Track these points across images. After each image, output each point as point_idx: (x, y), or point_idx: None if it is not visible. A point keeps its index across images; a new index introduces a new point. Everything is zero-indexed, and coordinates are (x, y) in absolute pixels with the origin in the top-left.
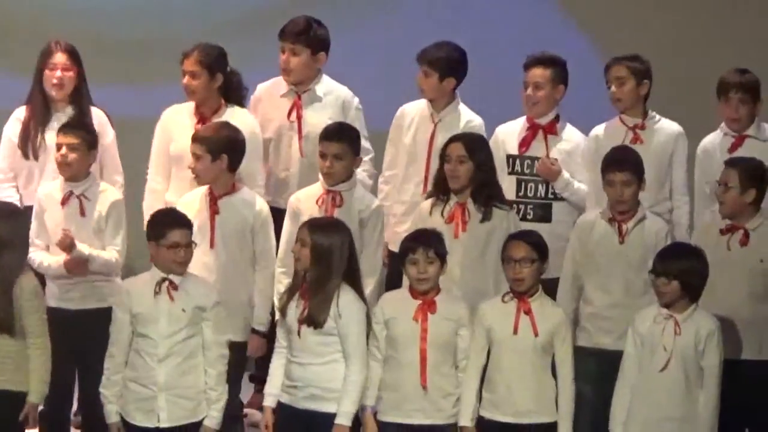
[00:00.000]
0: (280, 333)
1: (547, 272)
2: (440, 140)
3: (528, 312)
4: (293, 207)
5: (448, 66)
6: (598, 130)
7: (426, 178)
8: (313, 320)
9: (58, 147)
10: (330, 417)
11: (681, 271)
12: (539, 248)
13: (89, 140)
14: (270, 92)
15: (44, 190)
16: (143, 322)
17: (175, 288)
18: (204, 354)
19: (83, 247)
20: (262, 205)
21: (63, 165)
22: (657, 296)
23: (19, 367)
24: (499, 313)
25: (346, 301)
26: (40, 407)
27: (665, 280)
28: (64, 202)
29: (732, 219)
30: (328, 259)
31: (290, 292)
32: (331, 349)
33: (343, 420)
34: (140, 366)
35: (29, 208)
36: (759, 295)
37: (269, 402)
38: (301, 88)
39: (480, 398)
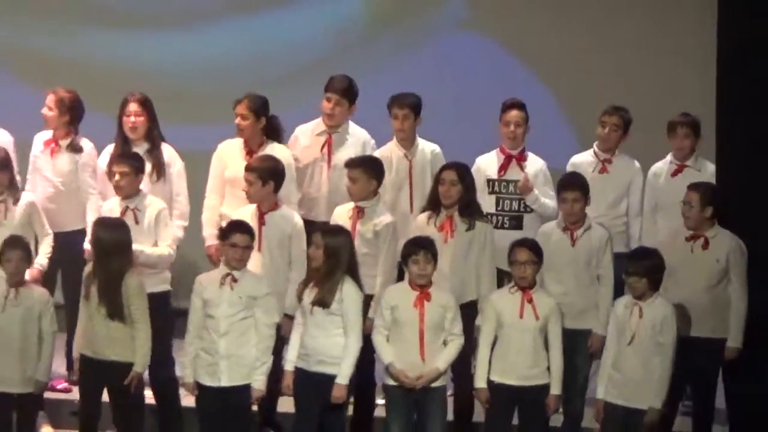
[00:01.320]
0: (297, 314)
1: None
2: (416, 172)
3: (530, 301)
4: (333, 219)
5: (418, 107)
6: (575, 159)
7: (411, 201)
8: (323, 302)
9: (113, 174)
10: (333, 377)
11: (647, 269)
12: (538, 252)
13: (137, 167)
14: (308, 131)
15: (107, 206)
16: (210, 306)
17: (235, 281)
18: (256, 332)
19: (138, 247)
20: (297, 220)
21: (117, 188)
22: (630, 291)
23: (127, 344)
24: (508, 301)
25: (347, 289)
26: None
27: (637, 278)
28: (122, 214)
29: (695, 230)
30: (337, 255)
31: (305, 283)
32: (335, 325)
33: (342, 380)
34: (207, 339)
35: None
36: (713, 287)
37: (289, 367)
38: (333, 129)
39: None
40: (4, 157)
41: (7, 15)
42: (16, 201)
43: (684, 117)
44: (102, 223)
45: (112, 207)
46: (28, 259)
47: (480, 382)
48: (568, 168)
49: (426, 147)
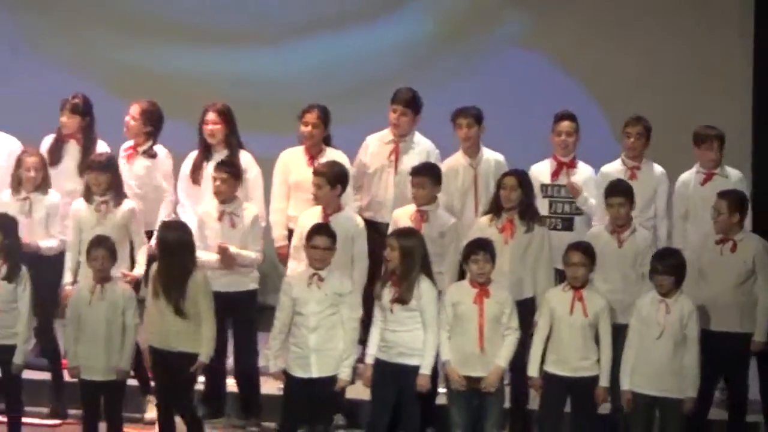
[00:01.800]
0: (377, 311)
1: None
2: (480, 179)
3: (580, 299)
4: (394, 220)
5: (480, 117)
6: (605, 168)
7: (476, 206)
8: (402, 300)
9: (214, 180)
10: (412, 368)
11: (675, 267)
12: (590, 255)
13: (235, 174)
14: (377, 139)
15: (203, 209)
16: (299, 304)
17: (322, 280)
18: (342, 326)
19: (234, 250)
20: (359, 221)
21: (218, 193)
22: (658, 288)
23: (190, 336)
24: (561, 298)
25: (424, 286)
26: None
27: (666, 276)
28: (220, 218)
29: (724, 234)
30: (412, 256)
31: (383, 283)
32: (413, 320)
33: (426, 370)
34: (298, 334)
35: None
36: (741, 285)
37: (369, 360)
38: (400, 138)
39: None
40: (108, 160)
41: (101, 32)
42: (117, 204)
43: (713, 129)
44: (166, 225)
45: (209, 210)
46: (112, 258)
47: (532, 371)
48: (599, 177)
49: (490, 156)
